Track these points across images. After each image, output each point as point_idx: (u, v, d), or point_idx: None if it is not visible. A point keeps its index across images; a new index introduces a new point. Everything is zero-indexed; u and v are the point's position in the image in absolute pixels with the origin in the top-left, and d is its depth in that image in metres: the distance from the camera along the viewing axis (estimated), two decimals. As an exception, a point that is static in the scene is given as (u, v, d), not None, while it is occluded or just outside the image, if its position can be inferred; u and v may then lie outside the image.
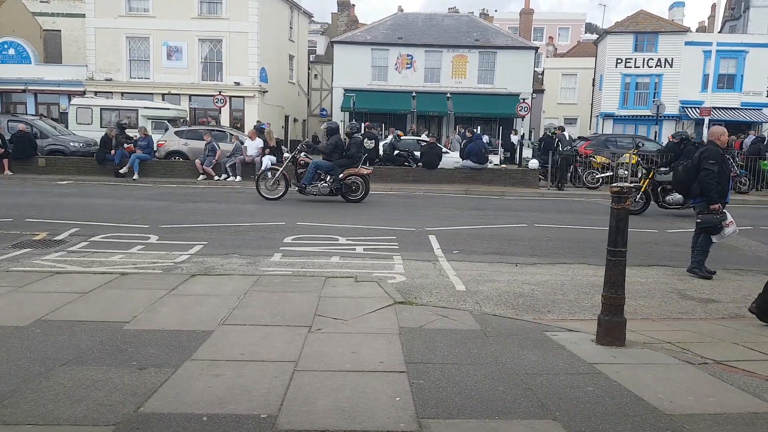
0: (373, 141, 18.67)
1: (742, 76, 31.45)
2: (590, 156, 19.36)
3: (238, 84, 30.63)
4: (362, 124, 28.88)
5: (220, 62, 31.01)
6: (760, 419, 3.02)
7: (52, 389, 3.17)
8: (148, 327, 4.30)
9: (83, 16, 31.27)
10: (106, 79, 30.69)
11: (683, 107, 31.46)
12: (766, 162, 18.26)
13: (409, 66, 32.87)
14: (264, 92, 31.38)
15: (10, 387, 3.18)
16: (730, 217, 6.72)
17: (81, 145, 19.29)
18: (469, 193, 16.45)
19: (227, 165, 17.49)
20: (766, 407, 3.17)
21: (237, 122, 30.16)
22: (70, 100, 26.51)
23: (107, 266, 6.64)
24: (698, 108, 28.84)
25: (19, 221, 9.50)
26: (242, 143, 18.08)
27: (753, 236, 10.03)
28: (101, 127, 21.42)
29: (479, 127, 27.53)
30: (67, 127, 22.48)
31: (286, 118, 35.86)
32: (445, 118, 33.03)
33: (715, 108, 28.47)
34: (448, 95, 32.18)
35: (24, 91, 31.06)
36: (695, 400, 3.26)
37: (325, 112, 38.19)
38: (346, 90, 31.98)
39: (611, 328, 4.17)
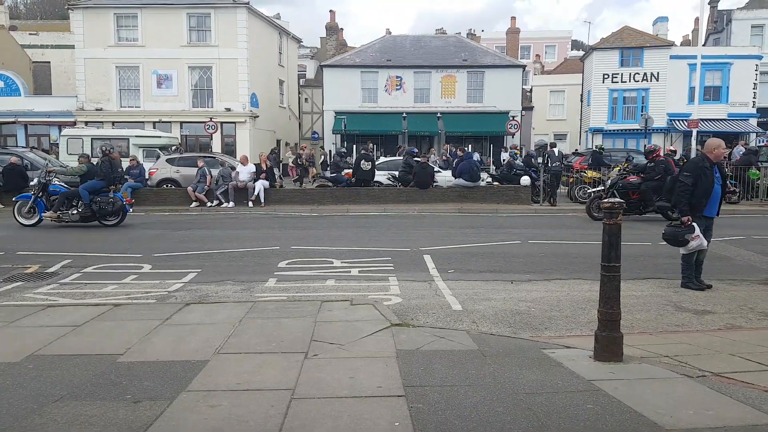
0: (370, 163, 18.74)
1: (727, 87, 31.91)
2: (581, 171, 19.49)
3: (228, 110, 30.77)
4: (354, 145, 29.11)
5: (211, 89, 31.17)
6: (759, 431, 3.00)
7: (46, 426, 3.12)
8: (143, 359, 4.25)
9: (72, 47, 31.43)
10: (97, 109, 30.76)
11: (671, 120, 31.84)
12: (754, 172, 18.43)
13: (398, 87, 33.15)
14: (255, 117, 31.52)
15: (2, 425, 3.13)
16: (697, 231, 6.65)
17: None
18: (463, 212, 16.49)
19: (218, 192, 17.47)
20: (766, 419, 3.15)
21: (229, 147, 30.22)
22: (60, 131, 26.51)
23: (100, 297, 6.58)
24: (686, 120, 29.15)
25: (10, 254, 9.43)
26: (232, 168, 18.09)
27: (745, 246, 10.08)
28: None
29: (470, 146, 27.69)
30: (57, 157, 22.44)
31: (278, 142, 35.97)
32: (436, 137, 33.23)
33: (702, 120, 28.76)
34: (439, 115, 32.43)
35: (14, 122, 31.08)
36: (695, 414, 3.24)
37: (316, 135, 38.37)
38: (336, 113, 32.18)
39: (608, 344, 4.16)
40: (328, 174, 20.17)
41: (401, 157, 21.27)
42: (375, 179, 19.14)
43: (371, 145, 29.26)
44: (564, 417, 3.20)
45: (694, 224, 6.72)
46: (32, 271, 8.11)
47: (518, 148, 29.74)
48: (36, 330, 4.99)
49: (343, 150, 24.14)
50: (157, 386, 3.70)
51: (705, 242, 6.78)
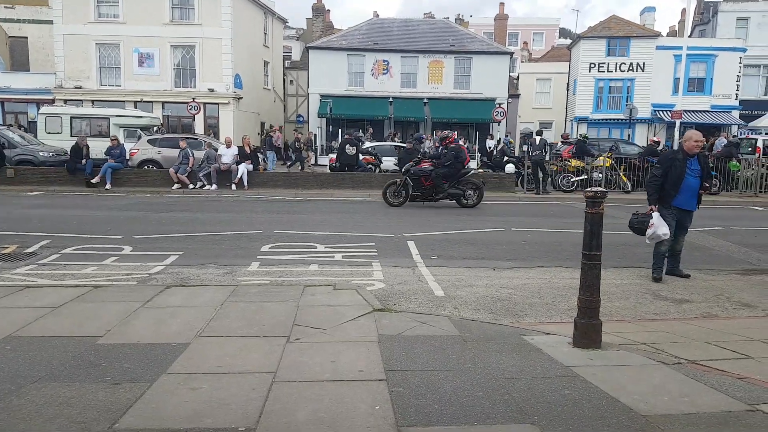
0: (354, 148, 18.73)
1: (711, 79, 32.21)
2: (565, 160, 19.61)
3: (212, 91, 30.35)
4: (339, 129, 28.93)
5: (194, 69, 30.69)
6: (732, 418, 3.08)
7: (24, 407, 3.09)
8: (123, 341, 4.22)
9: (51, 22, 30.65)
10: (76, 87, 30.15)
11: (655, 110, 32.12)
12: (734, 164, 18.70)
13: (385, 72, 32.96)
14: (239, 99, 31.15)
15: (-21, 407, 3.09)
16: (653, 220, 6.70)
17: (51, 154, 18.90)
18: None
19: (200, 174, 17.31)
20: (739, 406, 3.23)
21: (211, 130, 29.87)
22: (38, 109, 25.98)
23: (80, 279, 6.51)
24: (669, 111, 29.41)
25: (-13, 234, 9.26)
26: (216, 150, 17.92)
27: (724, 237, 10.25)
28: (71, 136, 21.00)
29: (456, 132, 27.71)
30: (36, 136, 22.02)
31: (262, 124, 35.65)
32: (422, 123, 33.15)
33: (686, 111, 29.08)
34: (425, 101, 32.33)
35: (-10, 99, 30.38)
36: (670, 401, 3.31)
37: (301, 119, 38.08)
38: (322, 96, 31.91)
39: (587, 331, 4.22)
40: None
41: (389, 143, 21.28)
42: (383, 166, 19.26)
43: (370, 130, 29.16)
44: (542, 402, 3.24)
45: (654, 213, 6.79)
46: (10, 251, 7.99)
47: (506, 135, 29.79)
48: (14, 311, 4.93)
49: (360, 134, 23.95)
50: (137, 368, 3.68)
51: (661, 232, 6.70)
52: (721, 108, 32.02)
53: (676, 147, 27.01)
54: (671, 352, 4.21)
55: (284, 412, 3.08)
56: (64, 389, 3.34)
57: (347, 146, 18.63)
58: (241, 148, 17.85)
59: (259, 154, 20.17)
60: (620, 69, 32.69)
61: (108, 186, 16.95)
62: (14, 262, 7.39)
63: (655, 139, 22.88)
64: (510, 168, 18.57)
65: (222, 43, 30.14)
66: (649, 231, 6.75)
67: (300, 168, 22.82)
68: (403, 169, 14.63)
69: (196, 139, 19.96)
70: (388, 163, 19.27)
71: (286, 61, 42.56)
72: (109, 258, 7.70)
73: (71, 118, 22.62)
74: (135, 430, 2.85)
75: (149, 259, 7.65)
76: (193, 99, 27.96)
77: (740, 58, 32.04)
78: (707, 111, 31.98)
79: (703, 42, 33.04)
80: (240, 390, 3.36)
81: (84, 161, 17.36)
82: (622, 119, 29.43)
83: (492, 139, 27.79)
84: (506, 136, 28.78)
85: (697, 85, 32.37)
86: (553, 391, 3.40)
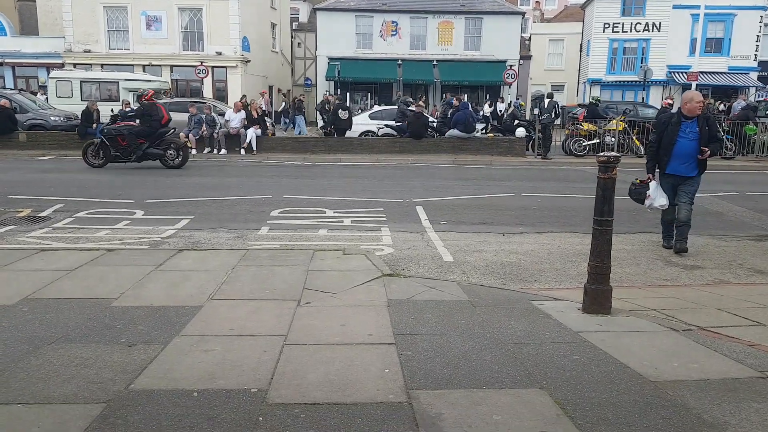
0: (347, 112, 18.68)
1: (729, 39, 31.36)
2: (577, 123, 19.34)
3: (220, 54, 30.03)
4: (347, 93, 28.61)
5: (201, 32, 30.32)
6: (742, 385, 3.09)
7: (42, 368, 3.16)
8: (136, 303, 4.28)
9: (59, -15, 30.32)
10: (85, 51, 29.95)
11: (670, 72, 31.43)
12: (751, 127, 18.34)
13: (394, 33, 32.39)
14: (247, 62, 30.83)
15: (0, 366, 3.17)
16: (650, 191, 6.51)
17: (62, 119, 18.91)
18: (456, 163, 16.43)
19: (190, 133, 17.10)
20: (749, 372, 3.24)
21: (220, 93, 29.68)
22: (48, 73, 25.88)
23: (93, 242, 6.58)
24: (685, 73, 28.78)
25: (2, 198, 9.36)
26: (222, 115, 17.83)
27: (738, 202, 10.14)
28: (82, 100, 20.98)
29: (466, 95, 27.35)
30: (47, 100, 22.00)
31: (270, 88, 35.33)
32: (431, 86, 32.72)
33: (702, 73, 28.45)
34: (435, 63, 31.82)
35: (1, 64, 30.27)
36: (679, 367, 3.32)
37: (309, 82, 37.70)
38: (330, 58, 31.49)
39: (597, 297, 4.22)
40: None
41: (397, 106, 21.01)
42: (368, 129, 18.98)
43: (369, 96, 28.84)
44: (551, 367, 3.27)
45: (651, 183, 6.57)
46: (25, 215, 8.07)
47: (517, 98, 29.39)
48: (30, 273, 5.00)
49: (410, 99, 23.66)
50: (151, 330, 3.74)
51: (658, 203, 6.50)
52: (739, 69, 31.25)
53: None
54: (682, 319, 4.21)
55: (295, 374, 3.13)
56: (81, 350, 3.41)
57: (340, 111, 18.59)
58: (248, 113, 17.73)
59: (285, 120, 19.91)
60: (635, 29, 31.87)
61: (118, 150, 16.93)
62: (29, 225, 7.47)
63: (669, 101, 22.47)
64: (520, 132, 18.34)
65: (229, 5, 29.68)
66: (647, 202, 6.60)
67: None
68: (98, 130, 14.25)
69: (205, 103, 19.85)
70: (372, 127, 19.03)
71: (294, 24, 41.89)
72: (121, 222, 7.76)
73: (81, 82, 22.56)
74: (150, 391, 2.91)
75: (161, 223, 7.71)
76: (201, 62, 27.74)
77: (761, 17, 31.07)
78: (724, 72, 31.23)
79: (722, 0, 32.06)
80: (252, 352, 3.41)
81: (95, 125, 17.33)
82: (636, 81, 28.85)
83: (502, 102, 27.39)
84: (517, 98, 28.36)
85: (715, 46, 31.55)
86: (561, 357, 3.42)
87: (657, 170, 6.71)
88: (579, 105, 21.34)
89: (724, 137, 6.28)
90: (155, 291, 4.60)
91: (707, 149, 6.31)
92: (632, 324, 4.05)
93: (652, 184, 6.60)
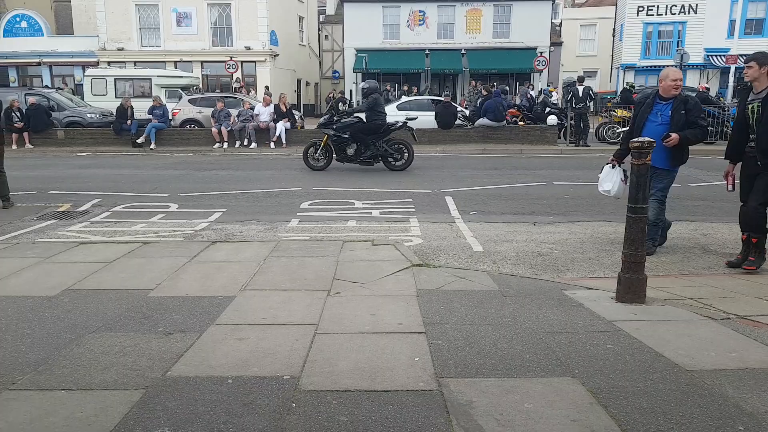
0: (347, 105, 19.75)
1: (771, 19, 30.28)
2: (611, 110, 18.96)
3: (248, 48, 30.34)
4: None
5: (230, 27, 30.67)
6: (781, 373, 3.01)
7: (83, 356, 3.27)
8: (172, 294, 4.39)
9: (92, -16, 31.00)
10: (118, 49, 30.61)
11: (708, 55, 30.49)
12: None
13: (421, 23, 32.20)
14: (275, 56, 31.07)
15: (43, 354, 3.29)
16: (602, 174, 6.01)
17: (98, 116, 19.42)
18: (486, 153, 16.29)
19: (221, 127, 17.31)
20: (788, 361, 3.15)
21: (249, 87, 29.98)
22: (84, 71, 26.55)
23: (130, 235, 6.75)
24: (724, 56, 27.92)
25: (42, 193, 9.66)
26: (252, 108, 18.02)
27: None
28: (116, 97, 21.48)
29: (495, 84, 27.06)
30: (82, 98, 22.58)
31: (298, 81, 35.55)
32: (459, 75, 32.45)
33: (742, 55, 27.51)
34: (463, 51, 31.54)
35: (38, 63, 31.17)
36: (717, 356, 3.25)
37: (337, 74, 37.78)
38: (357, 50, 31.52)
39: (631, 286, 4.15)
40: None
41: (426, 97, 20.99)
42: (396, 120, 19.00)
43: (397, 86, 28.68)
44: (584, 356, 3.24)
45: (605, 166, 6.02)
46: (64, 210, 8.32)
47: (548, 85, 28.95)
48: (70, 266, 5.17)
49: (506, 87, 23.69)
50: (186, 320, 3.83)
51: (601, 188, 6.00)
52: (781, 51, 30.12)
53: (730, 94, 25.72)
54: (719, 307, 4.12)
55: (327, 362, 3.17)
56: (120, 339, 3.51)
57: (340, 104, 19.55)
58: (277, 107, 17.88)
59: (295, 111, 20.16)
60: (671, 12, 30.99)
61: (153, 146, 17.34)
62: (68, 219, 7.70)
63: (706, 85, 21.82)
64: (552, 120, 18.07)
65: (257, 0, 29.90)
66: (599, 188, 6.10)
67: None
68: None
69: (235, 97, 20.11)
70: (426, 118, 18.92)
71: (321, 16, 41.99)
72: (156, 215, 7.94)
73: (115, 79, 23.09)
74: (187, 378, 2.99)
75: (194, 216, 7.86)
76: (231, 57, 28.07)
77: (805, -5, 29.93)
78: (765, 55, 30.13)
79: (764, -21, 30.94)
80: (284, 341, 3.47)
81: (129, 122, 17.75)
82: (672, 66, 28.12)
83: (533, 89, 27.01)
84: (547, 86, 27.93)
85: (755, 27, 30.44)
86: (594, 346, 3.39)
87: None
88: (627, 87, 20.85)
89: (707, 124, 5.16)
90: (190, 282, 4.70)
91: (672, 136, 5.43)
92: (668, 313, 3.98)
93: (605, 168, 6.02)
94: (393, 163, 12.42)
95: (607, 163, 6.06)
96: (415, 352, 3.30)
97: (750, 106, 5.03)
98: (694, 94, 18.67)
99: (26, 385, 2.93)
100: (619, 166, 5.97)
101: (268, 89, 23.90)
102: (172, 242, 6.35)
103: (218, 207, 8.44)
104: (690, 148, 5.76)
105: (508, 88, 22.52)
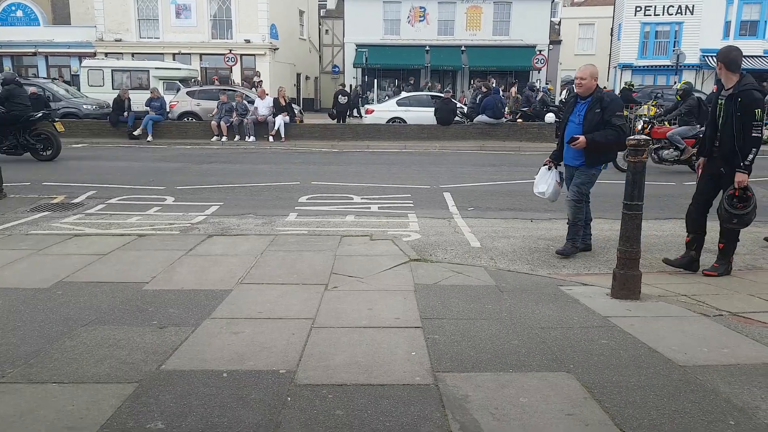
0: (346, 97, 20.19)
1: (765, 22, 30.29)
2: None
3: (248, 42, 30.22)
4: (375, 79, 28.42)
5: (230, 20, 30.54)
6: (775, 370, 3.02)
7: (76, 349, 3.26)
8: (167, 287, 4.37)
9: (90, -25, 30.81)
10: (116, 40, 30.45)
11: (704, 56, 30.51)
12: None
13: (421, 19, 32.14)
14: (275, 50, 30.96)
15: (35, 347, 3.28)
16: (537, 176, 5.81)
17: (94, 107, 19.32)
18: (484, 149, 16.29)
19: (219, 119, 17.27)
20: (782, 358, 3.17)
21: (248, 81, 29.89)
22: (80, 62, 26.41)
23: (125, 228, 6.73)
24: (720, 56, 27.95)
25: (36, 185, 9.61)
26: (252, 102, 17.97)
27: (774, 187, 9.83)
28: (113, 88, 21.39)
29: (494, 81, 27.06)
30: (79, 89, 22.47)
31: (298, 75, 35.45)
32: (459, 72, 32.42)
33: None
34: (463, 48, 31.50)
35: (34, 54, 30.98)
36: (709, 352, 3.27)
37: (337, 69, 37.68)
38: (358, 45, 31.44)
39: (626, 282, 4.16)
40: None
41: (426, 93, 21.03)
42: (396, 116, 18.98)
43: (412, 80, 28.54)
44: (578, 351, 3.24)
45: (542, 168, 5.82)
46: (58, 202, 8.29)
47: (546, 83, 28.94)
48: (63, 258, 5.15)
49: (535, 83, 23.67)
50: (181, 313, 3.82)
51: (535, 190, 5.82)
52: (776, 53, 30.20)
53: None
54: (712, 304, 4.13)
55: (323, 356, 3.17)
56: (113, 332, 3.50)
57: (339, 96, 20.94)
58: (276, 100, 17.84)
59: (294, 105, 20.17)
60: (668, 12, 30.99)
61: (149, 138, 17.27)
62: (63, 211, 7.67)
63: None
64: (550, 117, 18.07)
65: (257, -7, 29.80)
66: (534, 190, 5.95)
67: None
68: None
69: (235, 91, 20.04)
70: (425, 114, 18.86)
71: (322, 10, 41.87)
72: (152, 208, 7.91)
73: (112, 71, 22.99)
74: (181, 372, 2.98)
75: (191, 209, 7.83)
76: (230, 50, 27.95)
77: (801, -3, 29.96)
78: (760, 56, 30.19)
79: (760, -19, 30.95)
80: (280, 335, 3.46)
81: (126, 114, 17.68)
82: (668, 65, 28.17)
83: (531, 89, 26.98)
84: (546, 84, 27.92)
85: (750, 29, 30.49)
86: (589, 341, 3.39)
87: None
88: (621, 90, 20.94)
89: (622, 123, 4.73)
90: (185, 275, 4.68)
91: (578, 137, 5.27)
92: (662, 309, 3.99)
93: (541, 170, 5.83)
94: (42, 153, 12.62)
95: (544, 164, 5.85)
96: (411, 346, 3.30)
97: (719, 103, 4.91)
98: (704, 97, 18.67)
99: (17, 378, 2.91)
100: (556, 168, 5.80)
101: (259, 82, 23.94)
102: (168, 235, 6.33)
103: (215, 200, 8.41)
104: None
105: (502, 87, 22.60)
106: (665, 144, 11.72)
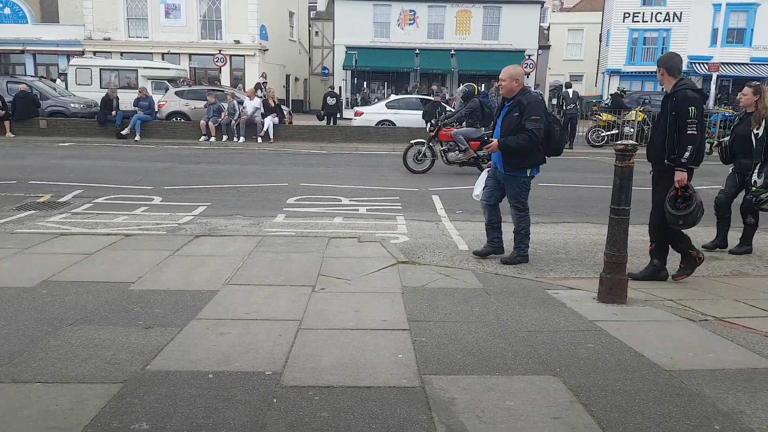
0: (334, 99, 20.59)
1: (752, 30, 30.75)
2: (596, 113, 19.13)
3: (238, 42, 30.13)
4: (365, 82, 28.47)
5: (220, 20, 30.43)
6: (758, 374, 3.05)
7: (61, 348, 3.22)
8: (154, 287, 4.34)
9: (79, -28, 30.55)
10: (105, 39, 30.22)
11: (691, 63, 30.88)
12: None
13: (411, 22, 32.23)
14: (264, 50, 30.89)
15: (19, 346, 3.24)
16: (479, 179, 5.80)
17: (81, 106, 19.14)
18: (473, 153, 16.30)
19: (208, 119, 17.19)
20: (765, 363, 3.20)
21: (238, 81, 29.79)
22: (68, 61, 26.17)
23: (111, 228, 6.67)
24: (706, 63, 28.31)
25: (22, 183, 9.51)
26: (241, 103, 17.90)
27: (758, 194, 9.95)
28: (101, 87, 21.21)
29: (483, 85, 27.16)
30: (66, 88, 22.26)
31: (287, 77, 35.38)
32: (449, 75, 32.52)
33: (723, 63, 27.95)
34: (452, 52, 31.62)
35: (22, 51, 30.66)
36: (695, 357, 3.29)
37: (326, 71, 37.66)
38: (347, 48, 31.46)
39: (613, 286, 4.19)
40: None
41: (414, 96, 21.10)
42: (385, 118, 18.98)
43: (386, 84, 28.64)
44: (565, 355, 3.26)
45: (484, 171, 5.84)
46: (44, 201, 8.20)
47: (536, 87, 29.14)
48: (49, 257, 5.09)
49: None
50: (168, 314, 3.79)
51: (474, 191, 5.80)
52: (762, 60, 30.61)
53: (712, 101, 26.06)
54: (698, 309, 4.17)
55: (310, 358, 3.15)
56: (99, 332, 3.46)
57: (328, 98, 21.19)
58: (265, 101, 17.78)
59: (284, 107, 20.13)
60: (656, 19, 31.37)
61: (137, 137, 17.15)
62: (49, 210, 7.59)
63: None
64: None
65: (248, -6, 29.73)
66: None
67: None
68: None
69: (223, 91, 19.96)
70: (414, 116, 18.87)
71: (312, 12, 41.85)
72: (139, 208, 7.85)
73: (101, 69, 22.79)
74: (166, 372, 2.96)
75: (178, 209, 7.78)
76: (219, 51, 27.84)
77: (786, 6, 30.43)
78: (746, 63, 30.64)
79: (746, -10, 31.41)
80: (267, 336, 3.44)
81: (114, 113, 17.54)
82: (656, 72, 28.45)
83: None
84: (535, 88, 28.10)
85: (737, 36, 30.95)
86: (576, 345, 3.41)
87: None
88: (612, 95, 21.17)
89: (535, 127, 4.60)
90: (172, 275, 4.65)
91: (492, 141, 5.29)
92: (648, 314, 4.02)
93: (485, 172, 5.82)
94: None
95: (486, 168, 5.83)
96: (398, 348, 3.30)
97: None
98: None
99: (0, 378, 2.87)
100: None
101: (264, 84, 23.88)
102: (155, 235, 6.28)
103: (203, 201, 8.37)
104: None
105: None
106: (452, 146, 11.63)
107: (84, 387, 2.79)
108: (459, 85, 29.15)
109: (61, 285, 4.35)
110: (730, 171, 6.37)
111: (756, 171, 5.71)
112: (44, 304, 3.93)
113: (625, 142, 4.16)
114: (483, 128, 11.44)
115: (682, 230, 4.92)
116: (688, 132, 4.50)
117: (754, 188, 5.67)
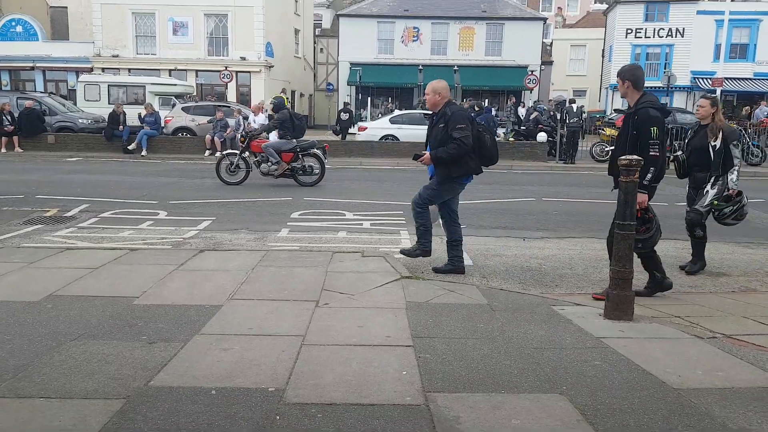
0: (348, 114, 21.28)
1: (755, 45, 30.85)
2: (599, 128, 19.15)
3: (244, 59, 30.39)
4: (368, 98, 28.64)
5: (226, 37, 30.74)
6: (768, 392, 3.01)
7: (64, 363, 3.21)
8: (158, 302, 4.33)
9: (89, -8, 30.98)
10: (113, 56, 30.55)
11: (694, 78, 30.99)
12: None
13: (415, 38, 32.48)
14: (270, 67, 31.15)
15: (23, 361, 3.22)
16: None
17: (89, 121, 19.32)
18: (477, 168, 16.31)
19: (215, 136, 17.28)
20: (775, 380, 3.16)
21: (244, 97, 30.02)
22: (77, 77, 26.44)
23: (117, 242, 6.68)
24: (710, 79, 28.35)
25: (30, 198, 9.56)
26: (246, 118, 18.01)
27: (765, 209, 9.92)
28: (109, 103, 21.41)
29: (486, 100, 27.30)
30: (75, 104, 22.48)
31: (293, 93, 35.61)
32: (452, 91, 32.65)
33: (727, 78, 27.97)
34: (455, 68, 31.80)
35: (32, 68, 31.02)
36: (704, 375, 3.25)
37: (331, 87, 37.91)
38: (352, 64, 31.69)
39: (619, 303, 4.15)
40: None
41: (419, 111, 21.13)
42: (388, 133, 19.06)
43: (390, 99, 28.80)
44: (571, 372, 3.22)
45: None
46: (51, 215, 8.23)
47: (539, 102, 29.24)
48: (54, 271, 5.09)
49: (541, 104, 23.99)
50: (171, 328, 3.77)
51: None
52: (765, 75, 30.67)
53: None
54: (706, 326, 4.12)
55: (313, 374, 3.13)
56: (103, 347, 3.45)
57: (341, 113, 22.56)
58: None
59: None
60: (658, 35, 31.51)
61: (144, 153, 17.26)
62: (55, 224, 7.62)
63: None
64: (542, 136, 18.20)
65: (254, 11, 30.06)
66: None
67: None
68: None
69: (229, 107, 20.10)
70: (418, 131, 18.89)
71: (317, 29, 42.24)
72: (145, 222, 7.87)
73: (109, 86, 23.03)
74: (169, 388, 2.94)
75: (183, 223, 7.80)
76: (226, 67, 28.10)
77: (788, 22, 30.54)
78: (750, 78, 30.68)
79: (747, 6, 31.52)
80: (270, 352, 3.42)
81: (121, 128, 17.68)
82: (659, 87, 28.46)
83: (523, 107, 27.25)
84: (539, 103, 28.22)
85: (740, 52, 31.03)
86: (582, 362, 3.37)
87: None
88: (615, 110, 21.13)
89: (461, 136, 4.50)
90: (176, 290, 4.64)
91: (424, 154, 5.42)
92: (655, 331, 3.98)
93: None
94: None
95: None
96: (402, 365, 3.27)
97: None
98: (692, 118, 18.78)
99: (3, 393, 2.86)
100: None
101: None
102: (160, 250, 6.29)
103: (208, 215, 8.38)
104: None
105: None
106: (264, 158, 11.64)
107: (87, 402, 2.77)
108: (463, 101, 29.31)
109: (66, 299, 4.34)
110: (687, 188, 6.26)
111: (710, 182, 5.68)
112: (49, 319, 3.92)
113: (629, 156, 4.14)
114: (294, 140, 11.50)
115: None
116: (650, 153, 4.44)
117: (716, 202, 5.64)
